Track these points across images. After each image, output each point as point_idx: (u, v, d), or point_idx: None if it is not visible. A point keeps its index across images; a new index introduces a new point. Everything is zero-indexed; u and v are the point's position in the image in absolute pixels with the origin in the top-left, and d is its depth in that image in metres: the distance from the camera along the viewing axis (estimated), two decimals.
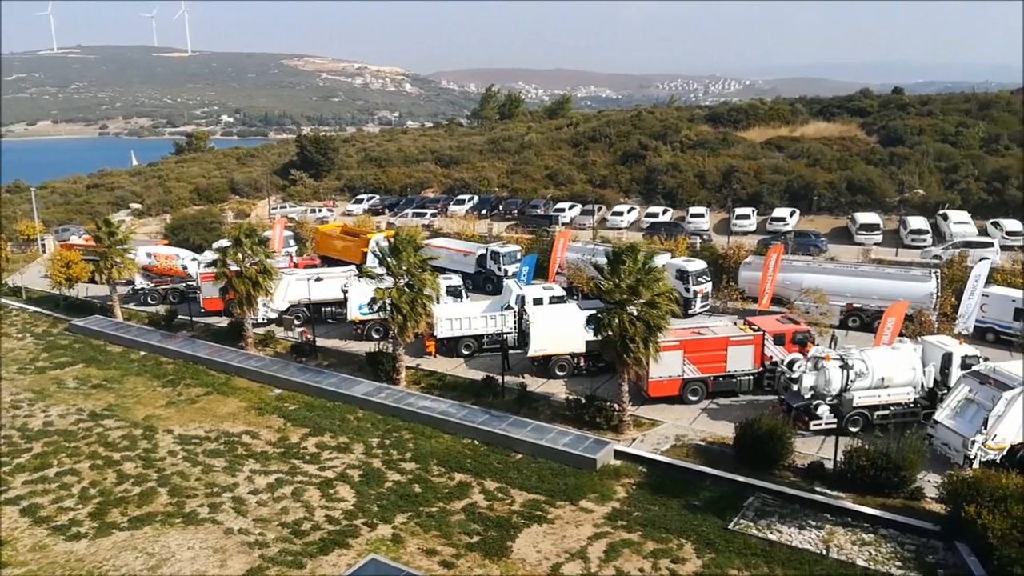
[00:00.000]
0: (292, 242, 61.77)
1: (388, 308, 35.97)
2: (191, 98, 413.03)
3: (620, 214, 64.72)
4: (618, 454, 30.12)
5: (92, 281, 54.62)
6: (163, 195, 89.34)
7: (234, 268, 42.38)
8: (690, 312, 44.65)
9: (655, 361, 31.63)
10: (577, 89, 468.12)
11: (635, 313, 30.20)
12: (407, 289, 36.24)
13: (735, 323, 37.00)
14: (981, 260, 42.77)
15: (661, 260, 39.99)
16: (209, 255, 48.86)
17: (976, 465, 26.30)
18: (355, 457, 31.19)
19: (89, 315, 51.51)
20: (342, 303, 45.97)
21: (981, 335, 39.37)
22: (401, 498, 27.86)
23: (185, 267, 54.50)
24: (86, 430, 34.61)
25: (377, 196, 79.95)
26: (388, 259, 36.58)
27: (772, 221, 59.28)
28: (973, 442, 26.73)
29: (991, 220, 55.03)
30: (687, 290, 44.95)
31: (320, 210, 76.96)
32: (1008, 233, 52.09)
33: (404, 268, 36.31)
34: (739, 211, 61.38)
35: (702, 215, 62.12)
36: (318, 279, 47.34)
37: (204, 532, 26.28)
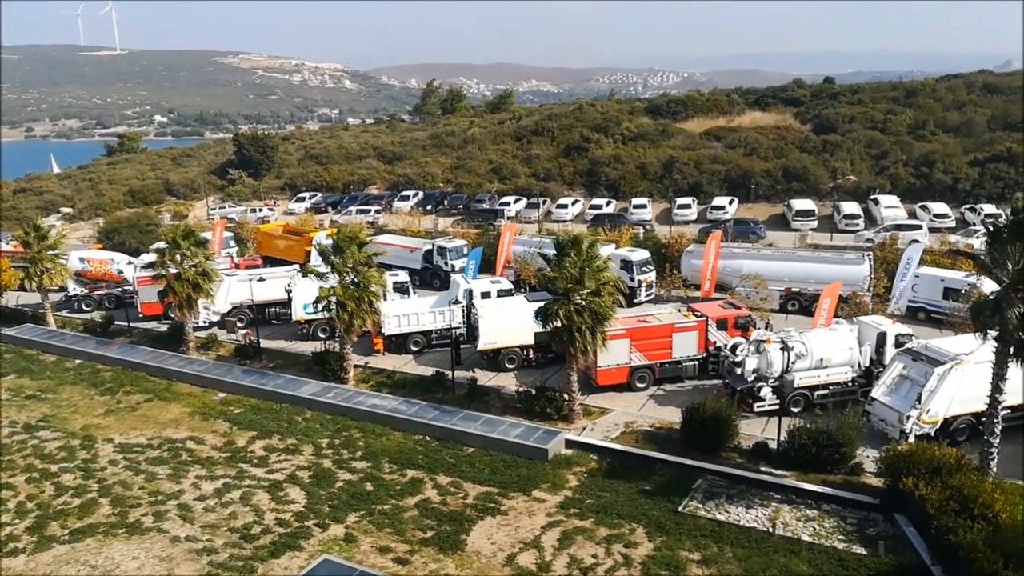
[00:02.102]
0: (232, 243, 60.48)
1: (333, 306, 35.55)
2: (121, 98, 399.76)
3: (565, 207, 65.19)
4: (569, 443, 30.41)
5: (22, 289, 52.51)
6: (95, 198, 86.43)
7: (173, 271, 41.32)
8: (635, 301, 45.33)
9: (603, 350, 31.98)
10: (518, 84, 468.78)
11: (581, 303, 30.49)
12: (352, 287, 35.85)
13: (679, 310, 37.66)
14: (912, 243, 44.48)
15: (606, 251, 40.48)
16: (146, 258, 47.60)
17: (912, 439, 27.30)
18: (304, 458, 30.76)
19: (20, 324, 49.48)
20: (286, 303, 45.25)
21: (913, 314, 40.90)
22: (353, 497, 27.61)
23: (121, 271, 52.93)
24: (20, 443, 33.30)
25: (319, 194, 78.84)
26: (332, 257, 36.12)
27: (712, 210, 60.46)
28: (908, 417, 27.76)
29: (919, 204, 57.18)
30: (632, 279, 45.57)
31: (261, 209, 75.53)
32: (936, 216, 54.18)
33: (349, 265, 35.90)
34: (680, 201, 62.46)
35: (644, 206, 62.98)
36: (260, 279, 46.54)
37: (149, 541, 25.60)
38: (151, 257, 44.05)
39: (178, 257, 41.33)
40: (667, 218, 61.25)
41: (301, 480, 29.01)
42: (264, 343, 42.62)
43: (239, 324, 46.04)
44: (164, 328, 46.12)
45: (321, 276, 36.71)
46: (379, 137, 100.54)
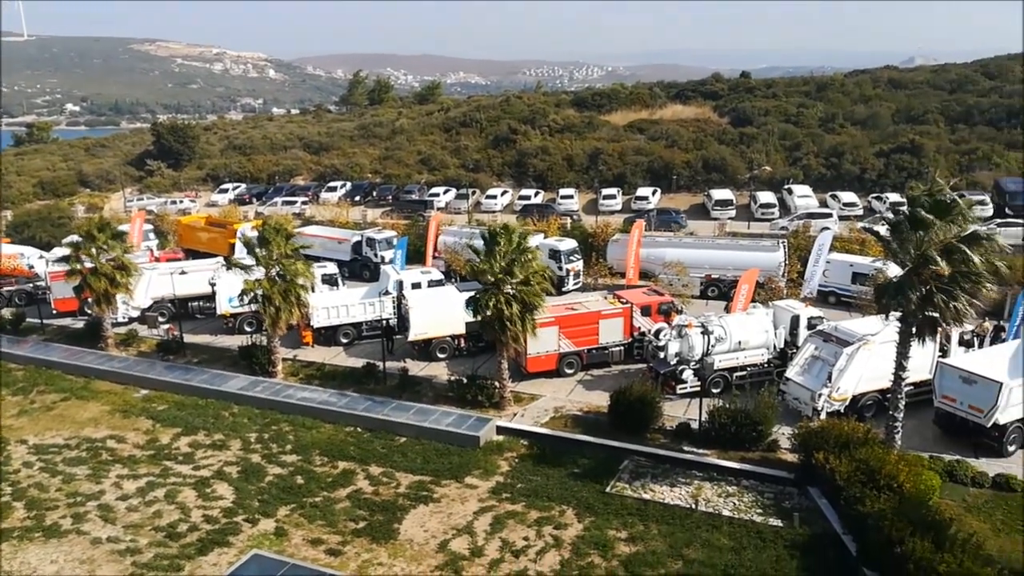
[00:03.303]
0: (152, 235, 58.65)
1: (259, 300, 34.97)
2: (30, 86, 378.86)
3: (494, 197, 65.54)
4: (500, 430, 30.86)
5: None
6: (2, 190, 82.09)
7: (88, 264, 39.84)
8: (564, 289, 46.08)
9: (533, 338, 32.49)
10: (446, 75, 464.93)
11: (511, 292, 30.89)
12: (278, 279, 35.33)
13: (605, 298, 38.49)
14: (823, 230, 46.52)
15: (535, 241, 41.00)
16: (59, 252, 45.71)
17: (823, 416, 28.78)
18: (232, 454, 30.30)
19: None
20: (210, 297, 44.17)
21: (824, 298, 42.87)
22: (283, 491, 27.38)
23: (32, 266, 50.60)
24: None
25: (243, 185, 76.98)
26: (258, 249, 35.49)
27: (636, 200, 61.80)
28: (820, 395, 29.24)
29: (830, 193, 59.80)
30: (560, 268, 46.29)
31: (182, 201, 73.28)
32: (845, 204, 56.75)
33: (274, 258, 35.36)
34: (605, 191, 63.62)
35: (571, 196, 63.87)
36: (182, 273, 45.28)
37: (69, 544, 24.85)
38: (64, 251, 42.29)
39: (94, 250, 39.88)
40: (593, 208, 62.27)
41: (229, 476, 28.59)
42: (188, 338, 41.60)
43: (161, 319, 44.80)
44: (80, 325, 44.49)
45: (246, 269, 36.03)
46: (305, 127, 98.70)
